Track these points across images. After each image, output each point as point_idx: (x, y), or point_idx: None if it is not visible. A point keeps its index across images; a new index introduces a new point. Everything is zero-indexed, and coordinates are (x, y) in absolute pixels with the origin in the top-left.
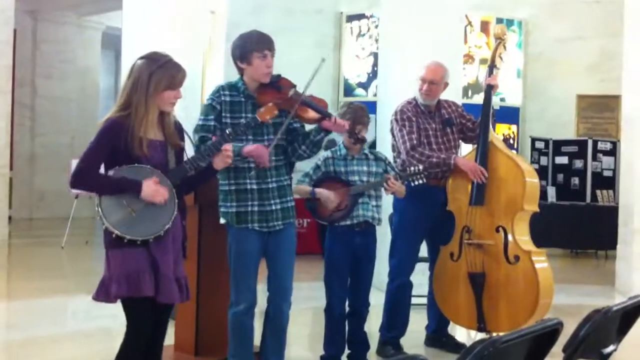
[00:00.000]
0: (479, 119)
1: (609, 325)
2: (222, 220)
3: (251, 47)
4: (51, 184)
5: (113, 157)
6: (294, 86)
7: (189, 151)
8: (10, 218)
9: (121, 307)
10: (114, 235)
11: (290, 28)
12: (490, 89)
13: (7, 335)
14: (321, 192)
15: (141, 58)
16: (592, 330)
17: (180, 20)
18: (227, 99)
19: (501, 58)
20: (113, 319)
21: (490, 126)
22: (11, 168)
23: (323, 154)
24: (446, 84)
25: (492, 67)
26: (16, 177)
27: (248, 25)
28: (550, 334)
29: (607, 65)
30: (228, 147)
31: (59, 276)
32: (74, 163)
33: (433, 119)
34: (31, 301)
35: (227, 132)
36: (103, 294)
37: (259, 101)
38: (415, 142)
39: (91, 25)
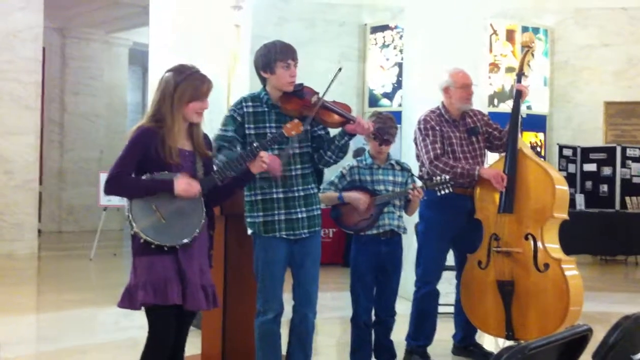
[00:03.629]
0: (505, 127)
1: (638, 331)
2: (249, 231)
3: (275, 56)
4: (80, 198)
5: (144, 164)
6: (317, 93)
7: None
8: (39, 231)
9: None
10: (142, 241)
11: (313, 40)
12: (519, 96)
13: (37, 347)
14: (349, 195)
15: (169, 70)
16: (622, 336)
17: (205, 34)
18: (250, 110)
19: (529, 66)
20: (141, 330)
21: (519, 133)
22: (40, 182)
23: (348, 162)
24: None
25: (520, 74)
26: (45, 191)
27: (272, 37)
28: (580, 340)
29: (633, 71)
30: (264, 154)
31: (88, 288)
32: (103, 177)
33: (458, 127)
34: (60, 313)
35: (255, 145)
36: (127, 301)
37: (282, 110)
38: (439, 151)
39: (118, 42)
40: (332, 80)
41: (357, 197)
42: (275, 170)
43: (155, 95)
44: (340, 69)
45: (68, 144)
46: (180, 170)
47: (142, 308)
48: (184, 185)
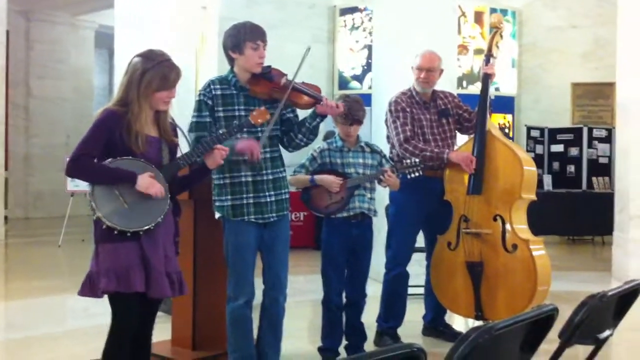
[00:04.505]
0: (475, 109)
1: (604, 310)
2: (217, 215)
3: (244, 37)
4: (47, 184)
5: (108, 148)
6: (285, 75)
7: (184, 147)
8: (6, 218)
9: None
10: (104, 227)
11: (283, 22)
12: (487, 78)
13: (5, 335)
14: (322, 178)
15: (138, 55)
16: (588, 315)
17: (172, 16)
18: (219, 92)
19: (498, 47)
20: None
21: (488, 115)
22: (6, 168)
23: (318, 145)
24: (441, 71)
25: (489, 56)
26: (12, 177)
27: (241, 19)
28: (546, 319)
29: (601, 52)
30: (221, 147)
31: (56, 275)
32: None
33: (428, 109)
34: (29, 300)
35: (221, 132)
36: (88, 289)
37: (251, 92)
38: (409, 134)
39: (84, 25)
40: (302, 61)
41: (329, 180)
42: (255, 154)
43: (123, 79)
44: (309, 48)
45: (34, 128)
46: (145, 157)
47: (105, 296)
48: (146, 183)
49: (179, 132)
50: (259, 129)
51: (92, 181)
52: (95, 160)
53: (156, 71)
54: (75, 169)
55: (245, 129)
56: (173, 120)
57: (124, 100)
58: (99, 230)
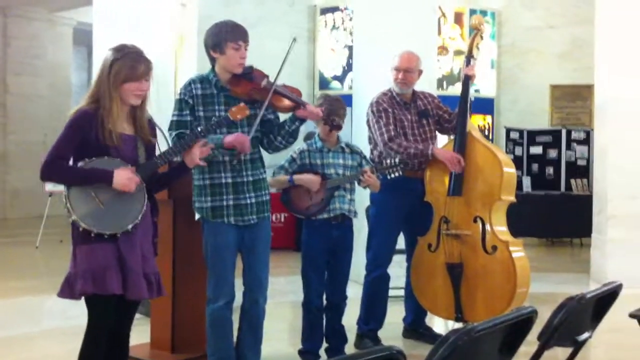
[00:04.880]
0: (455, 110)
1: (583, 312)
2: (197, 216)
3: (225, 36)
4: (24, 183)
5: (82, 148)
6: (267, 76)
7: (163, 146)
8: None
9: None
10: (80, 229)
11: (263, 20)
12: (467, 80)
13: None
14: (300, 177)
15: (110, 49)
16: (566, 317)
17: (150, 14)
18: (199, 92)
19: (478, 48)
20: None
21: (468, 116)
22: None
23: (299, 146)
24: (420, 72)
25: (469, 57)
26: None
27: (220, 17)
28: (525, 322)
29: (578, 53)
30: (200, 146)
31: (34, 275)
32: None
33: (409, 110)
34: (6, 300)
35: (199, 129)
36: (67, 291)
37: (232, 92)
38: (392, 133)
39: (62, 21)
40: (285, 60)
41: (309, 178)
42: (245, 147)
43: (96, 75)
44: (294, 39)
45: (11, 125)
46: (119, 154)
47: (82, 297)
48: (124, 180)
49: (158, 132)
50: (239, 130)
51: (68, 184)
52: (71, 162)
53: (124, 61)
54: (49, 173)
55: (224, 126)
56: (152, 119)
57: (96, 95)
58: (76, 231)
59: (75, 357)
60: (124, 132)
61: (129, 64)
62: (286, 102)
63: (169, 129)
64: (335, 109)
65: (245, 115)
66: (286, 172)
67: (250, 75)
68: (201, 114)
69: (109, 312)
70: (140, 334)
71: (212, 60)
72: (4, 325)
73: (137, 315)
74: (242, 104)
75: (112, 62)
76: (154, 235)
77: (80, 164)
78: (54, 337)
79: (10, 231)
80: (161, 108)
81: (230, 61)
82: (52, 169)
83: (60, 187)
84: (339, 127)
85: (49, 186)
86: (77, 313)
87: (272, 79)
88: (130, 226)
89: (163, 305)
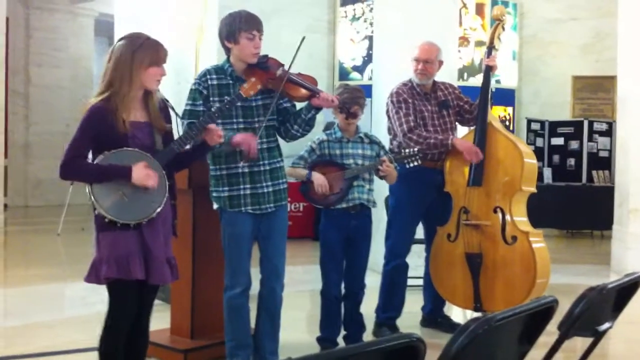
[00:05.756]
0: (476, 101)
1: (604, 302)
2: (215, 206)
3: (239, 26)
4: (46, 172)
5: (99, 142)
6: (282, 65)
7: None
8: (5, 206)
9: None
10: (106, 220)
11: (282, 11)
12: (488, 70)
13: (4, 322)
14: (317, 177)
15: (120, 40)
16: (587, 307)
17: (172, 5)
18: (215, 82)
19: (499, 39)
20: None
21: (489, 107)
22: (6, 156)
23: (318, 136)
24: (441, 63)
25: (490, 48)
26: (11, 165)
27: (238, 8)
28: (545, 311)
29: (601, 45)
30: (213, 127)
31: (55, 263)
32: None
33: (429, 100)
34: (28, 288)
35: (213, 110)
36: (94, 276)
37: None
38: (412, 124)
39: (83, 12)
40: (297, 52)
41: (319, 183)
42: (252, 150)
43: (108, 66)
44: (303, 38)
45: (33, 116)
46: (136, 142)
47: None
48: (142, 176)
49: (171, 112)
50: (256, 119)
51: (88, 182)
52: (90, 157)
53: (146, 48)
54: (68, 173)
55: (236, 103)
56: (165, 100)
57: (109, 84)
58: (99, 221)
59: (96, 344)
60: (137, 119)
61: (153, 49)
62: (302, 91)
63: (182, 118)
64: (355, 98)
65: (257, 90)
66: (305, 163)
67: (265, 64)
68: (216, 104)
69: (131, 299)
70: (160, 319)
71: (227, 51)
72: (26, 313)
73: (157, 302)
74: (253, 79)
75: (135, 51)
76: (173, 218)
77: (99, 158)
78: (75, 324)
79: (32, 219)
80: (182, 99)
81: (244, 51)
82: (71, 169)
83: None
84: (355, 115)
85: None
86: (97, 300)
87: (286, 68)
88: (153, 214)
89: (183, 292)
